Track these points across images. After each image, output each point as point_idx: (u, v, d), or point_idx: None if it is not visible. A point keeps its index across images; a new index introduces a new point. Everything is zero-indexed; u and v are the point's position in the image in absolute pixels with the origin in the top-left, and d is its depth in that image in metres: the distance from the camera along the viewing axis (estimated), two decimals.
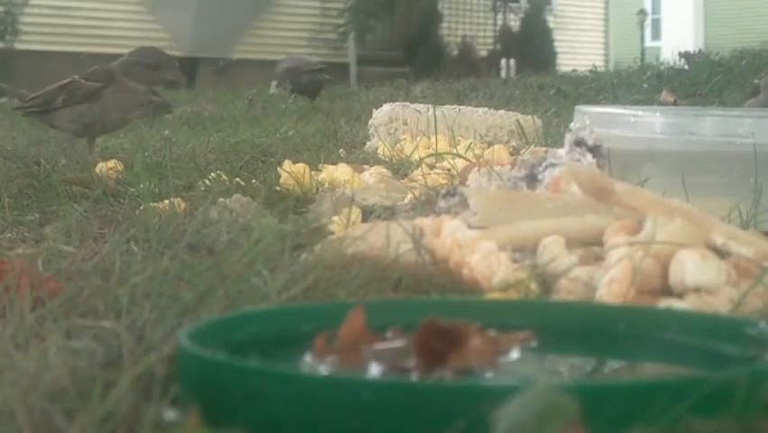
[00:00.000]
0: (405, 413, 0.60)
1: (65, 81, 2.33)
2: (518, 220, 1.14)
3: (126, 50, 2.36)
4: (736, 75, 7.17)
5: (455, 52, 14.42)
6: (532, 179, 1.33)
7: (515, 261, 1.07)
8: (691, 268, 0.97)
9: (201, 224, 1.28)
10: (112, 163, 2.17)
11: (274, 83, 5.85)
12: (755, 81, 3.82)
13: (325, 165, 2.02)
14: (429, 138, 2.49)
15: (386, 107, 2.90)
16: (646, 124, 1.61)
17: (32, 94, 2.42)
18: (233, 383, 0.65)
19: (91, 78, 2.31)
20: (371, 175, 1.90)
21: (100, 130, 2.35)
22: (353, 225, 1.27)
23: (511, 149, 2.32)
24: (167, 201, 1.53)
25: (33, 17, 11.47)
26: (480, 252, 1.06)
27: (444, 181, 1.80)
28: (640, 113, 1.67)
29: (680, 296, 0.97)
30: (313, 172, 1.88)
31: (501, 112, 2.96)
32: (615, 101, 6.03)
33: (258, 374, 0.64)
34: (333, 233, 1.26)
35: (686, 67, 8.80)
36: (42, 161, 2.14)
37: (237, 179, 1.85)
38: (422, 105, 2.89)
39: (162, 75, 2.33)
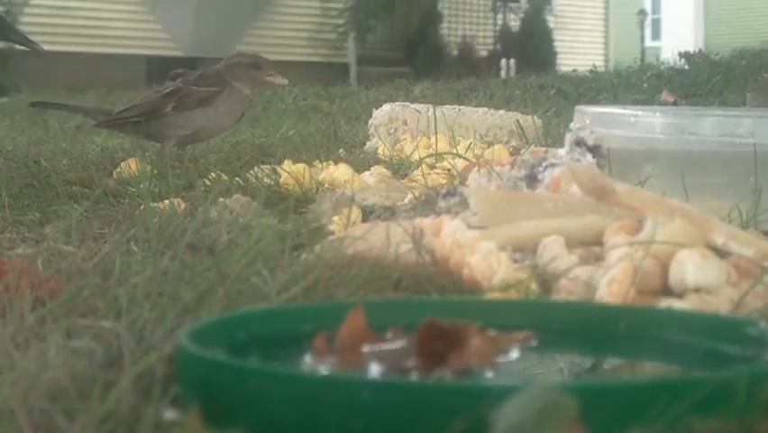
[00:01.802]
0: (405, 413, 0.60)
1: (169, 89, 2.30)
2: (518, 220, 1.14)
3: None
4: (736, 75, 7.17)
5: (455, 52, 14.42)
6: (532, 179, 1.33)
7: (515, 261, 1.07)
8: (691, 268, 0.97)
9: (201, 224, 1.28)
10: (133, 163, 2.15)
11: None
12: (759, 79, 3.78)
13: (326, 161, 2.03)
14: (429, 138, 2.49)
15: (386, 107, 2.90)
16: (646, 124, 1.61)
17: (121, 107, 2.39)
18: (232, 383, 0.65)
19: (200, 84, 2.29)
20: (371, 175, 1.90)
21: (205, 135, 2.33)
22: (353, 225, 1.27)
23: (511, 149, 2.32)
24: (167, 201, 1.53)
25: (33, 17, 11.47)
26: (480, 252, 1.06)
27: (444, 181, 1.80)
28: (640, 113, 1.67)
29: (680, 296, 0.97)
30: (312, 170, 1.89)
31: (501, 112, 2.96)
32: (615, 101, 6.03)
33: (258, 374, 0.64)
34: (333, 233, 1.26)
35: (686, 67, 8.80)
36: (42, 160, 2.14)
37: (237, 179, 1.85)
38: (422, 105, 2.89)
39: (264, 75, 2.31)
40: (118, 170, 2.11)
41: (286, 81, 2.33)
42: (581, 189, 1.23)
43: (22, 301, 0.89)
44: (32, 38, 2.31)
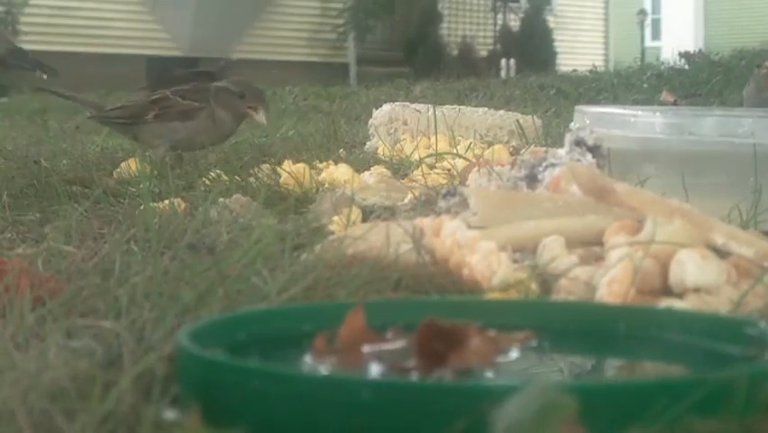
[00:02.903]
0: (405, 413, 0.60)
1: (156, 96, 2.28)
2: (518, 220, 1.14)
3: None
4: (735, 75, 7.17)
5: (455, 52, 14.42)
6: (532, 179, 1.33)
7: (515, 261, 1.07)
8: (691, 268, 0.97)
9: (201, 224, 1.28)
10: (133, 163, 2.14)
11: None
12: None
13: (326, 161, 2.02)
14: (429, 138, 2.49)
15: (386, 107, 2.90)
16: (646, 124, 1.61)
17: (113, 105, 2.38)
18: (232, 383, 0.65)
19: (188, 96, 2.27)
20: (371, 175, 1.90)
21: (184, 147, 2.30)
22: (353, 225, 1.27)
23: (511, 149, 2.32)
24: (167, 201, 1.53)
25: (33, 17, 11.47)
26: (480, 252, 1.06)
27: (444, 181, 1.80)
28: (640, 113, 1.67)
29: (680, 296, 0.97)
30: (312, 172, 1.89)
31: (501, 112, 2.96)
32: (615, 101, 6.03)
33: (258, 374, 0.64)
34: (333, 233, 1.26)
35: (686, 67, 8.81)
36: (42, 160, 2.14)
37: (237, 178, 1.85)
38: (422, 105, 2.89)
39: (245, 107, 2.27)
40: (118, 170, 2.11)
41: (264, 121, 2.28)
42: (581, 189, 1.23)
43: (22, 301, 0.89)
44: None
